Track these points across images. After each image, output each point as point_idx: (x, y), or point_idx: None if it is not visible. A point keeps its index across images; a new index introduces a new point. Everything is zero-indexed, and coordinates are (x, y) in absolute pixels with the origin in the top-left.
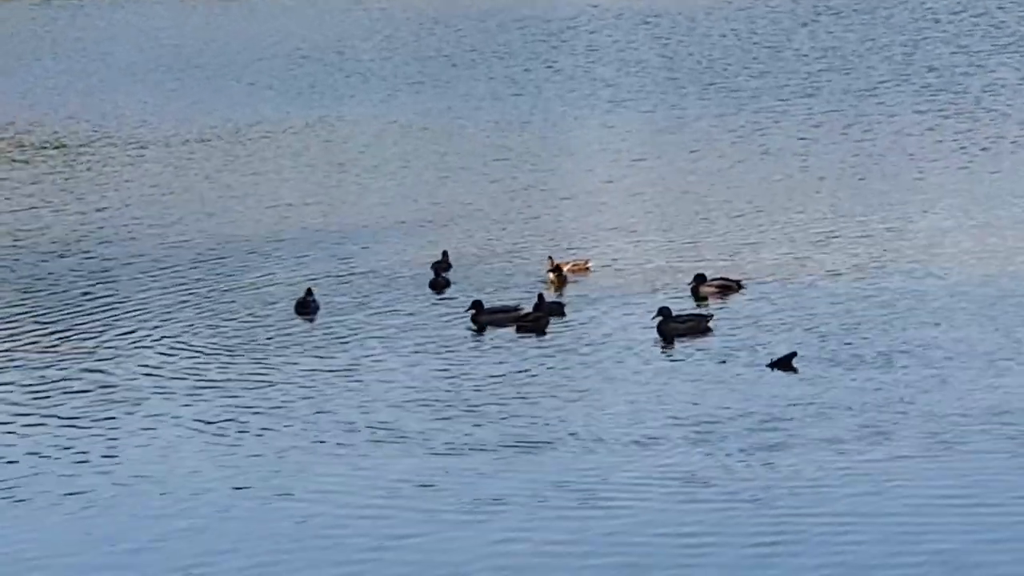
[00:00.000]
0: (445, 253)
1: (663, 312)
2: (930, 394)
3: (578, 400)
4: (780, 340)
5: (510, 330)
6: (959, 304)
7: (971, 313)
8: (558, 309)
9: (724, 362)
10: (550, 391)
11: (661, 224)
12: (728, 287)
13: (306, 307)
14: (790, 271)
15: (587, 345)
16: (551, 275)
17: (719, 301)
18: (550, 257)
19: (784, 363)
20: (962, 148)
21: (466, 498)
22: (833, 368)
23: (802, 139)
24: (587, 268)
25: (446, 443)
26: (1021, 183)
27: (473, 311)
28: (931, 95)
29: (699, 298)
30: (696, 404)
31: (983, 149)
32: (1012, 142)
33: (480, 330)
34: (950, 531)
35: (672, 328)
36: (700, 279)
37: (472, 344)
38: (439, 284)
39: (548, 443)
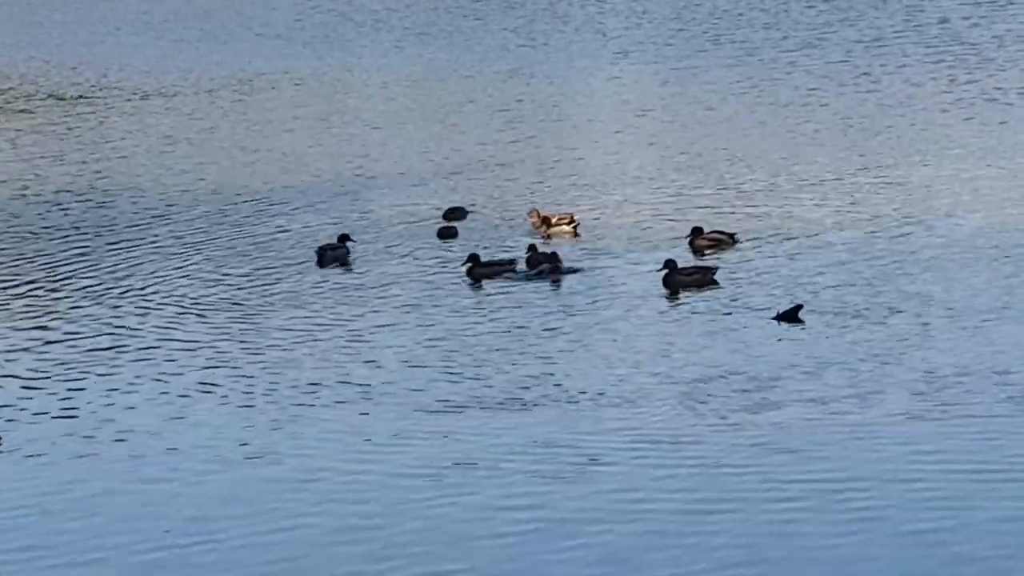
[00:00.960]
0: (456, 208)
1: (668, 264)
2: (931, 349)
3: (580, 355)
4: (784, 293)
5: (506, 283)
6: (964, 256)
7: (976, 265)
8: (553, 260)
9: (729, 314)
10: (550, 346)
11: (663, 176)
12: (722, 240)
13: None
14: (794, 224)
15: (587, 299)
16: (543, 227)
17: (714, 254)
18: (536, 211)
19: (790, 315)
20: (968, 100)
21: (455, 455)
22: (839, 321)
23: (808, 91)
24: (572, 223)
25: (438, 399)
26: None
27: (469, 264)
28: (939, 47)
29: (696, 251)
30: (701, 358)
31: (990, 100)
32: (1019, 94)
33: (476, 283)
34: (946, 491)
35: (678, 280)
36: (697, 232)
37: (468, 298)
38: (446, 233)
39: (547, 399)
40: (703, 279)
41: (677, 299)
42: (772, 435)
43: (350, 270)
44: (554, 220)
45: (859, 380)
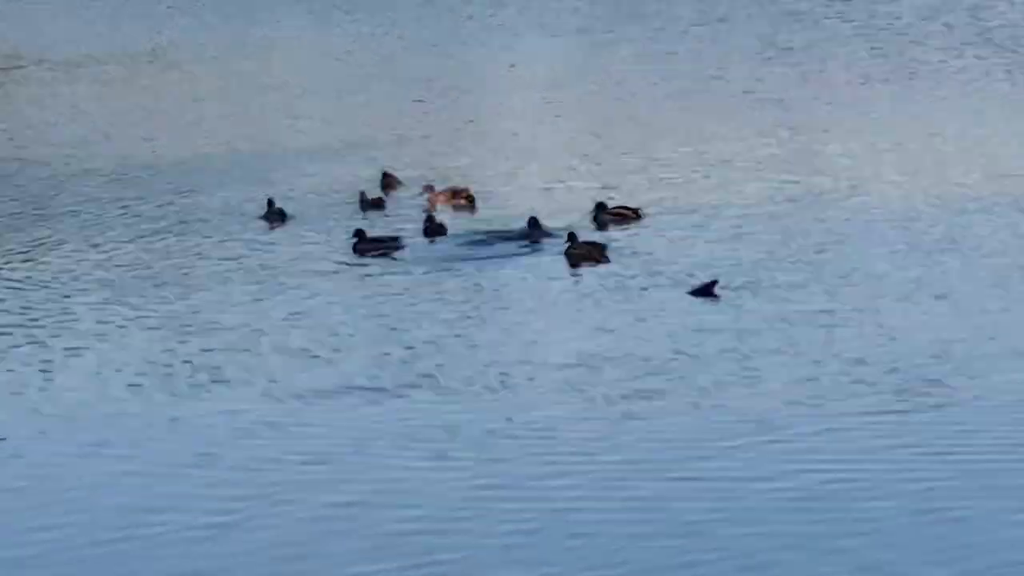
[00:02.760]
0: (386, 174)
1: (571, 237)
2: (845, 327)
3: (474, 334)
4: (693, 269)
5: (391, 259)
6: (877, 231)
7: (889, 241)
8: (443, 231)
9: (646, 289)
10: (445, 324)
11: (572, 150)
12: (626, 215)
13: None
14: (704, 198)
15: (484, 276)
16: (436, 198)
17: (620, 229)
18: (431, 186)
19: (705, 291)
20: (883, 75)
21: (329, 441)
22: (754, 296)
23: (722, 66)
24: (466, 197)
25: (310, 382)
26: (946, 111)
27: (356, 240)
28: (855, 21)
29: (600, 226)
30: (603, 335)
31: (904, 75)
32: (933, 69)
33: (361, 257)
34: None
35: (574, 253)
36: (601, 207)
37: (356, 274)
38: (370, 204)
39: (431, 381)
40: (590, 254)
41: (581, 275)
42: (654, 417)
43: (259, 246)
44: (448, 196)
45: (756, 361)
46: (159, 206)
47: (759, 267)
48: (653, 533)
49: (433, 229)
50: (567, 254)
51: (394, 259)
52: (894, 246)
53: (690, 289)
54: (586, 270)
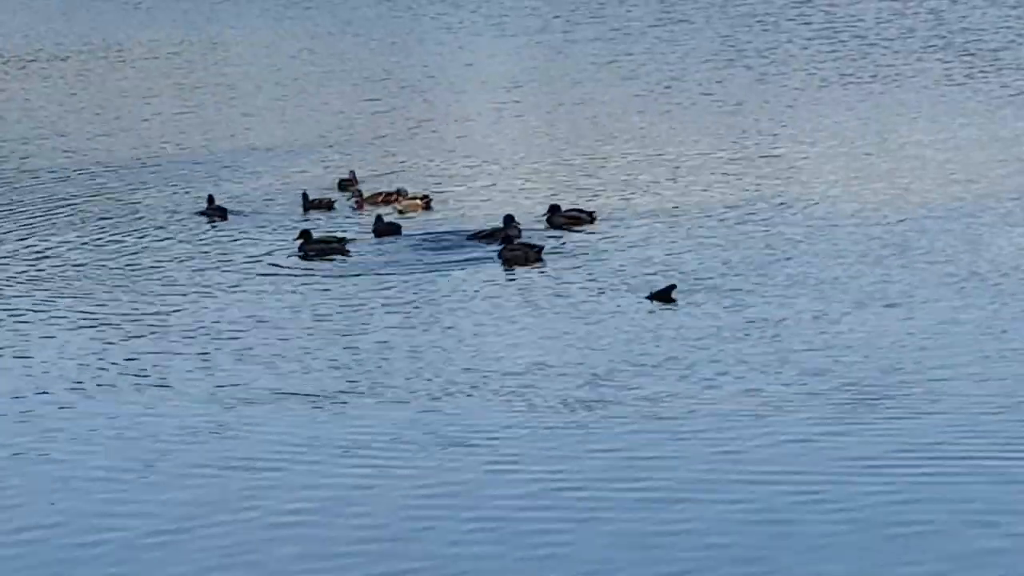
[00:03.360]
0: (352, 173)
1: (506, 239)
2: (797, 335)
3: (420, 338)
4: (651, 272)
5: (339, 261)
6: (833, 237)
7: (845, 247)
8: (396, 230)
9: (603, 292)
10: (388, 329)
11: (528, 152)
12: (580, 218)
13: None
14: (660, 203)
15: (429, 274)
16: (364, 202)
17: (572, 231)
18: (357, 189)
19: (663, 295)
20: (842, 81)
21: (261, 446)
22: (709, 301)
23: (680, 70)
24: (398, 198)
25: (251, 386)
26: (903, 116)
27: (301, 240)
28: (816, 27)
29: (554, 228)
30: (566, 339)
31: (862, 82)
32: (894, 74)
33: (305, 259)
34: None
35: (508, 256)
36: (554, 209)
37: (300, 275)
38: (312, 205)
39: (373, 388)
40: (526, 257)
41: (513, 273)
42: (599, 425)
43: (212, 244)
44: (380, 198)
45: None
46: (105, 202)
47: (714, 271)
48: (594, 540)
49: (383, 229)
50: (501, 256)
51: (338, 261)
52: (847, 252)
53: (648, 293)
54: (544, 272)
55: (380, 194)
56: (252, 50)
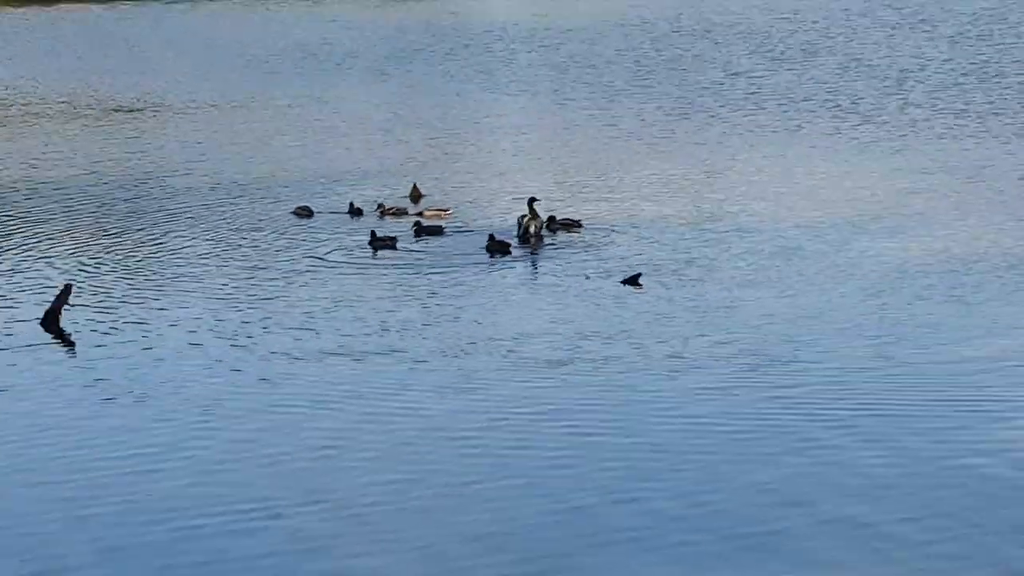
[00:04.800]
0: (414, 185)
1: (490, 237)
2: (719, 313)
3: (430, 311)
4: (625, 265)
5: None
6: (758, 242)
7: (766, 249)
8: (391, 243)
9: (588, 279)
10: (376, 311)
11: (531, 177)
12: (572, 225)
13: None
14: (635, 217)
15: (422, 273)
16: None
17: (567, 233)
18: (381, 204)
19: (632, 280)
20: (776, 126)
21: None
22: (670, 285)
23: (648, 118)
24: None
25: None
26: (823, 154)
27: (370, 238)
28: (748, 90)
29: (552, 232)
30: (555, 311)
31: (796, 127)
32: (843, 106)
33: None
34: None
35: (490, 246)
36: (551, 219)
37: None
38: (390, 212)
39: (401, 345)
40: (502, 248)
41: (523, 266)
42: (554, 384)
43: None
44: (395, 209)
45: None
46: (234, 212)
47: (673, 264)
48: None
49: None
50: (487, 248)
51: (391, 255)
52: (765, 252)
53: (621, 279)
54: (542, 263)
55: (391, 208)
56: (346, 104)
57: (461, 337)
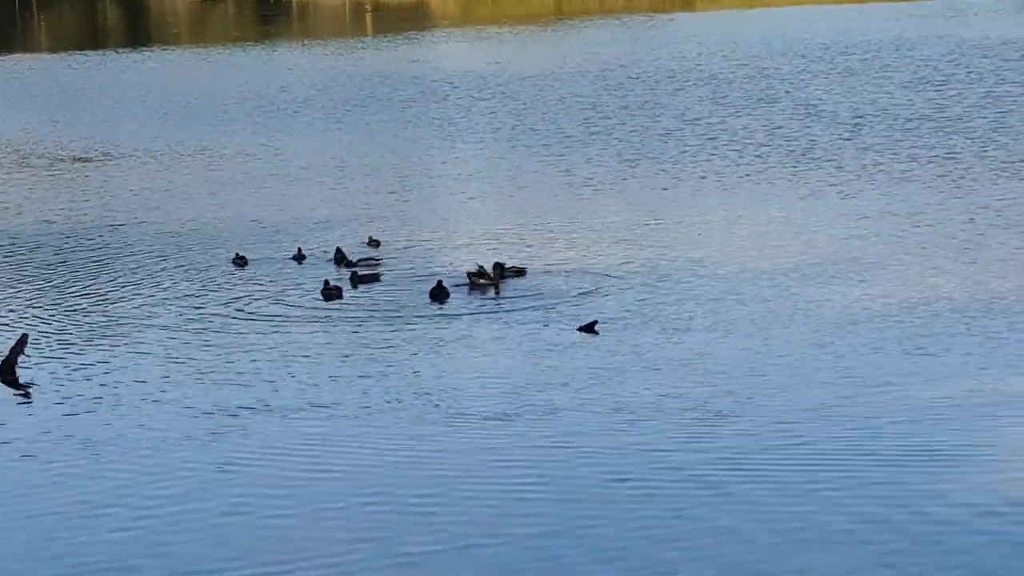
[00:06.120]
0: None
1: (439, 284)
2: (669, 363)
3: (373, 367)
4: (574, 312)
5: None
6: (712, 288)
7: (720, 295)
8: (339, 295)
9: (547, 326)
10: (320, 362)
11: (481, 225)
12: (517, 272)
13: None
14: (580, 262)
15: (377, 318)
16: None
17: (514, 279)
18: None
19: (588, 328)
20: (726, 175)
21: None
22: (625, 333)
23: (597, 166)
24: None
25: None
26: (795, 185)
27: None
28: (708, 135)
29: (499, 279)
30: (511, 358)
31: (756, 176)
32: (800, 148)
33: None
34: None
35: (435, 293)
36: (499, 266)
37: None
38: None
39: (293, 407)
40: (444, 295)
41: (484, 311)
42: (482, 433)
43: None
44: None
45: (614, 379)
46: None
47: (628, 312)
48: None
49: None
50: (430, 294)
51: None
52: (720, 297)
53: (577, 326)
54: (494, 309)
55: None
56: (301, 152)
57: (403, 391)
